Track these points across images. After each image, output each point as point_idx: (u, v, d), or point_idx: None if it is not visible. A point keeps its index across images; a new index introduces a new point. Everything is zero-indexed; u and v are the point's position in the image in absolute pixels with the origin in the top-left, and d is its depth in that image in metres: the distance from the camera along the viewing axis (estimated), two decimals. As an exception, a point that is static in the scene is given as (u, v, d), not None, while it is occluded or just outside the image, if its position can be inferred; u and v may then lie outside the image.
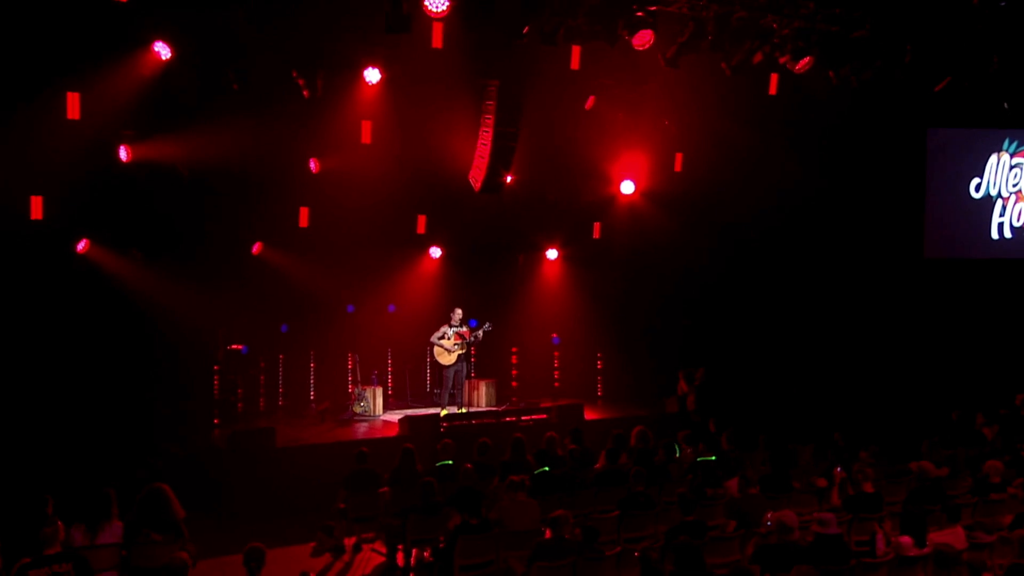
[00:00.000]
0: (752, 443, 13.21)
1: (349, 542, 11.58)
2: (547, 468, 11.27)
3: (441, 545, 10.04)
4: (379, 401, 16.25)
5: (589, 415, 15.89)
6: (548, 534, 8.86)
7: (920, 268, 19.79)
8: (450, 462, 11.79)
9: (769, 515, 8.85)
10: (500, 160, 15.09)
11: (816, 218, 18.82)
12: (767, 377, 17.84)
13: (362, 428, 15.49)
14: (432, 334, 16.02)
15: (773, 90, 16.88)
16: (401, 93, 15.07)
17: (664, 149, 18.03)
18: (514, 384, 18.34)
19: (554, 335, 18.56)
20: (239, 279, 16.09)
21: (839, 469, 10.84)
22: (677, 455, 12.42)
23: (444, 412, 15.79)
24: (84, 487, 9.46)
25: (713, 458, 12.05)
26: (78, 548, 8.73)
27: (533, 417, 15.50)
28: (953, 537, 8.99)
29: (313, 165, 15.92)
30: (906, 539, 8.71)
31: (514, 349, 18.56)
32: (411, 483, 11.22)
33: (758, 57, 13.95)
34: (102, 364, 14.47)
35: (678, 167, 18.28)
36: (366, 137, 15.57)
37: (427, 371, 18.43)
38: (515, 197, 17.48)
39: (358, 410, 15.98)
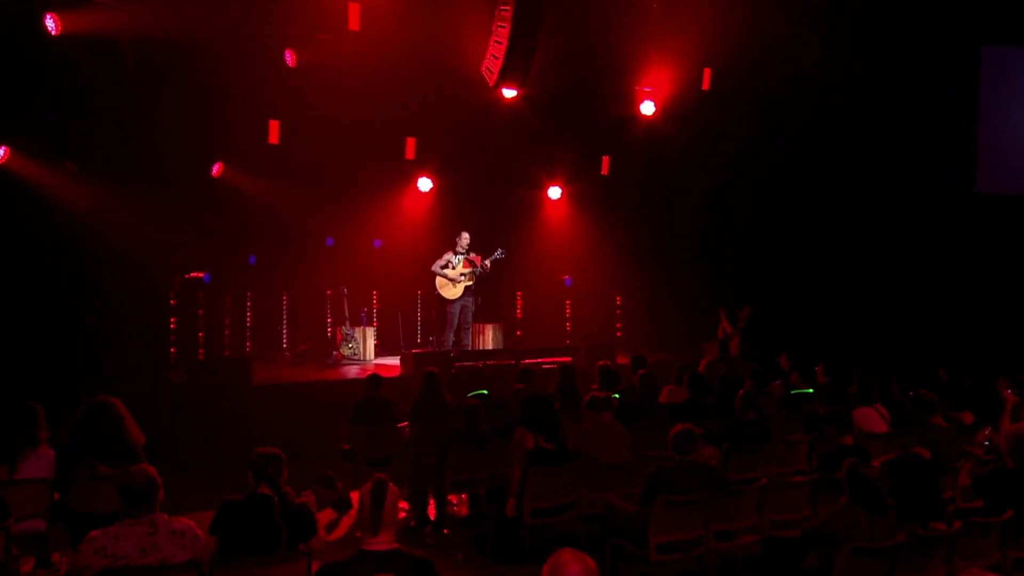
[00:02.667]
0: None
1: (355, 494, 8.89)
2: (616, 395, 8.66)
3: (483, 492, 7.48)
4: (370, 343, 13.49)
5: (621, 359, 13.26)
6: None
7: (970, 203, 17.40)
8: (485, 392, 9.18)
9: (987, 432, 6.35)
10: (517, 65, 12.51)
11: (858, 145, 16.42)
12: (811, 316, 15.30)
13: (353, 371, 12.73)
14: (434, 263, 13.33)
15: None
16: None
17: (693, 62, 15.51)
18: (518, 332, 15.67)
19: (565, 276, 15.88)
20: (198, 201, 13.34)
21: (1009, 392, 8.38)
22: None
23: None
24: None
25: (811, 391, 9.58)
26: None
27: (557, 359, 12.88)
28: None
29: (289, 57, 13.15)
30: None
31: (519, 293, 15.90)
32: (438, 416, 8.65)
33: None
34: (28, 294, 11.64)
35: (706, 85, 15.79)
36: (354, 22, 12.89)
37: (418, 317, 15.72)
38: (522, 118, 14.92)
39: (346, 352, 13.20)
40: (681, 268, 15.90)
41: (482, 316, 14.74)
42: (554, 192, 16.57)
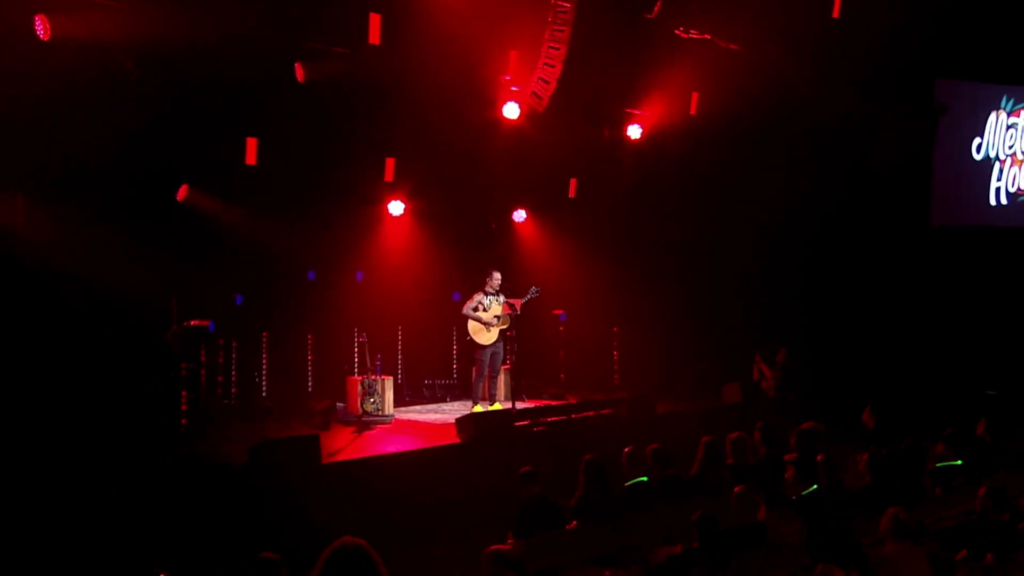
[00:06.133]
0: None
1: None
2: (815, 486, 7.71)
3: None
4: (389, 395, 11.97)
5: (661, 408, 12.35)
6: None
7: (927, 237, 17.55)
8: (644, 479, 8.07)
9: None
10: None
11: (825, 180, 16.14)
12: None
13: (377, 432, 11.21)
14: (464, 306, 12.00)
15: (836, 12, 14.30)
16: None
17: (688, 84, 14.78)
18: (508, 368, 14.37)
19: (560, 311, 14.76)
20: (171, 231, 11.55)
21: None
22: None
23: (478, 408, 11.93)
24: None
25: (959, 463, 8.92)
26: None
27: (600, 412, 11.86)
28: None
29: (298, 71, 11.52)
30: None
31: (510, 332, 14.66)
32: (607, 513, 7.51)
33: None
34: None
35: (693, 109, 15.10)
36: (374, 36, 11.45)
37: (398, 357, 14.30)
38: (515, 138, 13.77)
39: (368, 408, 11.63)
40: (682, 302, 15.12)
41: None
42: (520, 215, 15.46)
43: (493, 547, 7.56)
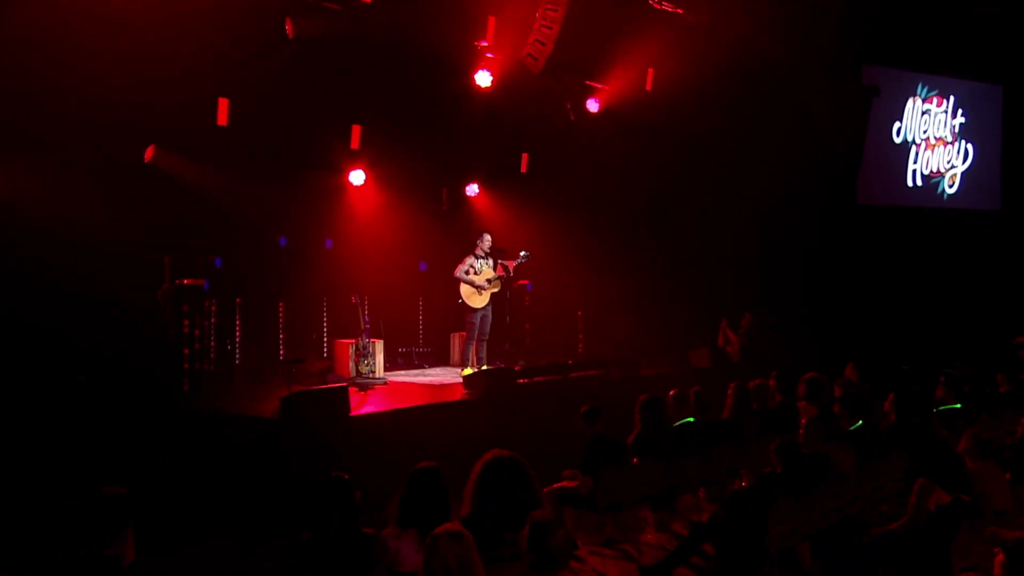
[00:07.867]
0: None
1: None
2: (861, 422, 8.04)
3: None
4: (380, 358, 11.86)
5: (644, 371, 12.62)
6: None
7: (853, 215, 18.38)
8: (691, 420, 8.26)
9: None
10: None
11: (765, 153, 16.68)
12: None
13: (378, 392, 11.10)
14: (456, 269, 11.97)
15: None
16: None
17: (652, 58, 15.02)
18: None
19: (526, 281, 14.85)
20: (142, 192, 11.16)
21: None
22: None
23: (469, 371, 11.90)
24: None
25: (959, 406, 9.43)
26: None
27: (587, 373, 12.05)
28: None
29: (288, 27, 11.30)
30: None
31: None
32: (661, 449, 7.69)
33: None
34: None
35: (649, 85, 15.39)
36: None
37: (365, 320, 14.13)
38: (475, 107, 13.78)
39: (363, 369, 11.49)
40: (645, 272, 15.39)
41: (457, 326, 13.49)
42: (471, 189, 15.46)
43: (556, 484, 7.67)
